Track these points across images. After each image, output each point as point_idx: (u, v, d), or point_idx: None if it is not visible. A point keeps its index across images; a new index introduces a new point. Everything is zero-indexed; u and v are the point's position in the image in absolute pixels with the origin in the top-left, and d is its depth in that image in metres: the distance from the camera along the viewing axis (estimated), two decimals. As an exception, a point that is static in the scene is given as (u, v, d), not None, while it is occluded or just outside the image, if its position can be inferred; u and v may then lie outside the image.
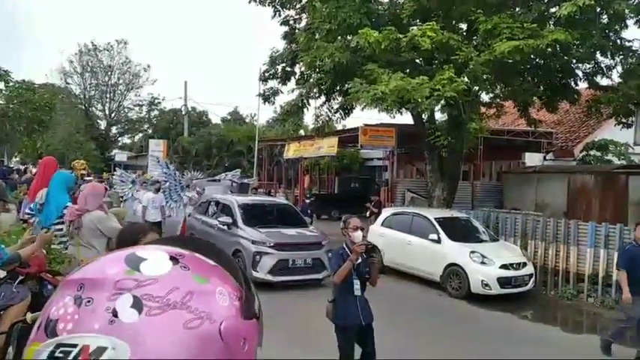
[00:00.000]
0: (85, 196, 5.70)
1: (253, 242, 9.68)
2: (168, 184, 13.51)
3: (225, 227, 10.45)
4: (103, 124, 45.89)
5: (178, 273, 0.73)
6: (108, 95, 44.58)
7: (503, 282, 9.55)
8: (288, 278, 9.52)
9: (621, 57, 12.57)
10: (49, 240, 4.57)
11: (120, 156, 40.05)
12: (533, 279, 10.07)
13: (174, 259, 0.75)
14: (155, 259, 0.75)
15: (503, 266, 9.69)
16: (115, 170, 28.97)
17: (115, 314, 0.67)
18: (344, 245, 4.75)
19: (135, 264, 0.73)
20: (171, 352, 0.66)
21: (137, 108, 46.26)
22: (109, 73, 43.43)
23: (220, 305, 0.73)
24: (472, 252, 9.80)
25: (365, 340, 4.68)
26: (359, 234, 4.62)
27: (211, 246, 0.86)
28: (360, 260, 4.55)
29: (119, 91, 44.61)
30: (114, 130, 47.41)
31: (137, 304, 0.68)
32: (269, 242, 9.65)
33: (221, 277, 0.77)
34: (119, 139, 49.83)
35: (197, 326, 0.69)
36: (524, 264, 10.03)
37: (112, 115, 45.43)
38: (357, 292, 4.60)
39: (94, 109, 45.22)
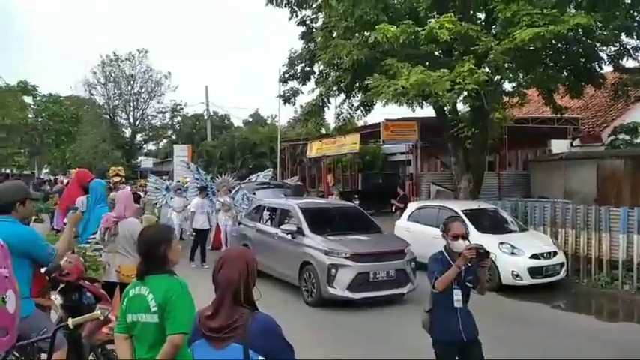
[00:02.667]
0: (124, 203, 5.85)
1: (326, 253, 8.33)
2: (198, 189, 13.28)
3: (289, 236, 9.25)
4: (127, 133, 46.74)
5: None
6: (131, 104, 45.35)
7: (533, 272, 9.44)
8: (371, 295, 8.21)
9: (647, 37, 12.28)
10: (78, 219, 4.60)
11: (146, 163, 40.68)
12: (564, 268, 9.93)
13: None
14: None
15: (534, 256, 9.58)
16: (146, 177, 29.54)
17: None
18: (442, 250, 4.17)
19: None
20: None
21: (160, 115, 46.96)
22: (132, 82, 44.18)
23: None
24: (501, 243, 9.70)
25: (466, 358, 4.04)
26: (460, 243, 3.99)
27: None
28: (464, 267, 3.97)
29: (142, 99, 45.35)
30: (139, 137, 48.22)
31: None
32: (345, 252, 8.27)
33: None
34: (144, 146, 50.66)
35: None
36: (555, 253, 9.89)
37: (137, 123, 46.19)
38: (458, 304, 3.99)
39: (118, 117, 46.07)
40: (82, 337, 4.15)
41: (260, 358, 2.20)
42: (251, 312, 2.28)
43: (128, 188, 10.28)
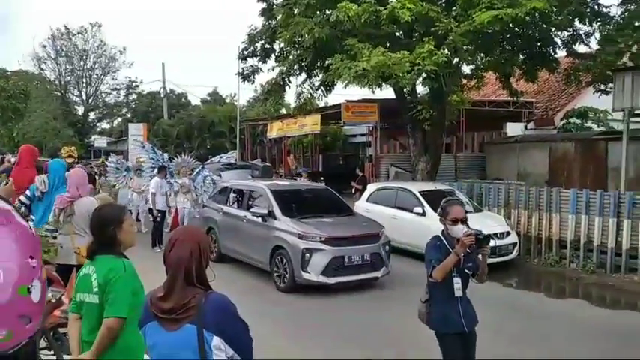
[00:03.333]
0: (76, 182, 5.62)
1: (300, 237, 8.07)
2: (156, 170, 12.62)
3: (259, 219, 8.91)
4: (80, 110, 45.06)
5: None
6: (84, 80, 43.68)
7: (488, 251, 9.70)
8: (346, 279, 8.04)
9: (599, 24, 12.66)
10: (10, 192, 4.37)
11: (99, 142, 39.43)
12: (517, 247, 10.26)
13: None
14: None
15: (487, 235, 9.82)
16: (100, 157, 28.53)
17: None
18: (440, 235, 3.88)
19: None
20: (19, 254, 0.91)
21: (115, 92, 45.47)
22: (84, 57, 42.47)
23: (19, 217, 0.99)
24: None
25: (466, 349, 3.82)
26: (459, 228, 3.70)
27: None
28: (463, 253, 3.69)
29: (95, 76, 43.73)
30: (92, 115, 46.63)
31: None
32: (320, 236, 8.03)
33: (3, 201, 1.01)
34: (98, 124, 49.05)
35: (24, 233, 0.94)
36: (508, 233, 10.20)
37: (90, 100, 44.60)
38: (458, 293, 3.73)
39: (70, 94, 44.32)
40: None
41: (215, 337, 2.15)
42: (204, 292, 2.22)
43: (79, 166, 9.78)
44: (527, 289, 9.05)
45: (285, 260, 8.21)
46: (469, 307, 3.87)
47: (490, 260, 10.02)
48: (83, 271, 2.90)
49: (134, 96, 46.78)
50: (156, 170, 12.60)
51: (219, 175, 14.48)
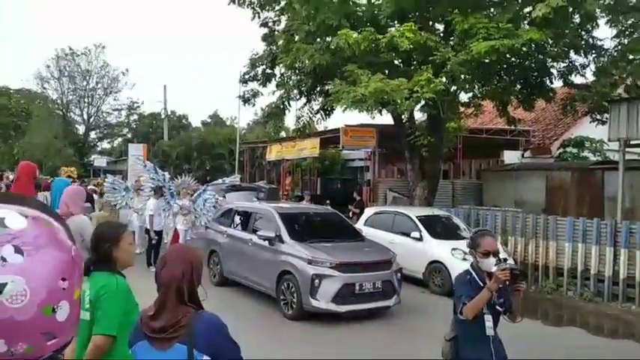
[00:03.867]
0: (66, 200, 5.64)
1: (310, 262, 7.69)
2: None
3: (266, 243, 8.54)
4: (81, 129, 45.38)
5: (34, 223, 1.02)
6: (86, 100, 44.09)
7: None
8: (356, 307, 7.69)
9: (594, 55, 12.87)
10: None
11: (99, 161, 39.52)
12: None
13: (23, 215, 1.03)
14: (10, 216, 1.00)
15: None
16: (99, 176, 28.50)
17: (4, 260, 0.93)
18: (469, 269, 3.58)
19: (0, 223, 0.98)
20: (50, 276, 0.98)
21: (116, 112, 45.92)
22: (87, 77, 42.99)
23: (64, 239, 1.06)
24: (454, 249, 9.93)
25: None
26: (491, 262, 3.42)
27: (35, 201, 1.16)
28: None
29: (97, 96, 44.19)
30: (93, 135, 46.92)
31: (18, 250, 0.95)
32: (330, 262, 7.67)
33: (53, 221, 1.09)
34: (98, 144, 49.30)
35: (60, 257, 1.01)
36: (505, 260, 10.16)
37: (91, 120, 44.93)
38: (490, 332, 3.41)
39: (72, 114, 44.70)
40: None
41: (205, 357, 2.15)
42: (196, 311, 2.23)
43: (75, 184, 9.71)
44: (524, 317, 8.97)
45: (292, 286, 7.82)
46: (501, 347, 3.52)
47: (486, 287, 10.02)
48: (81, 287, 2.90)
49: (135, 117, 47.17)
50: (153, 191, 12.36)
51: (224, 197, 14.16)
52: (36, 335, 0.96)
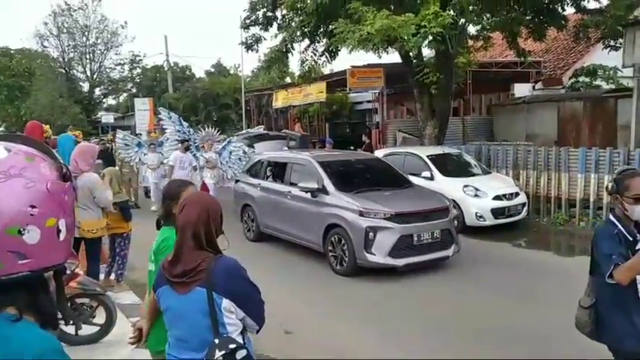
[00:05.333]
0: (75, 157, 5.67)
1: (361, 214, 7.17)
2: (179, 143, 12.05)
3: (308, 195, 8.04)
4: (85, 87, 44.99)
5: (13, 156, 1.16)
6: (87, 56, 43.42)
7: (496, 212, 9.74)
8: (415, 260, 7.18)
9: (608, -23, 12.31)
10: None
11: (106, 117, 39.40)
12: (526, 208, 10.28)
13: (7, 149, 1.18)
14: None
15: (497, 197, 9.86)
16: (107, 132, 28.46)
17: None
18: (612, 218, 2.92)
19: None
20: (16, 201, 1.12)
21: (119, 67, 45.21)
22: (86, 33, 42.10)
23: (44, 173, 1.18)
24: (465, 186, 9.93)
25: None
26: None
27: (29, 139, 1.27)
28: None
29: (99, 51, 43.43)
30: (97, 91, 46.52)
31: None
32: (385, 213, 7.14)
33: (42, 158, 1.22)
34: (104, 100, 49.01)
35: (32, 186, 1.15)
36: (517, 194, 10.20)
37: (94, 76, 44.43)
38: None
39: (74, 71, 44.17)
40: (49, 292, 4.10)
41: (225, 300, 2.19)
42: (214, 256, 2.26)
43: (87, 142, 9.61)
44: (536, 249, 9.08)
45: (343, 240, 7.35)
46: None
47: (499, 221, 10.11)
48: None
49: (138, 70, 46.56)
50: (179, 143, 12.01)
51: (252, 147, 13.75)
52: (3, 252, 1.10)
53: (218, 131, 14.32)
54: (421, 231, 7.22)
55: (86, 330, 4.72)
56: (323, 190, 7.84)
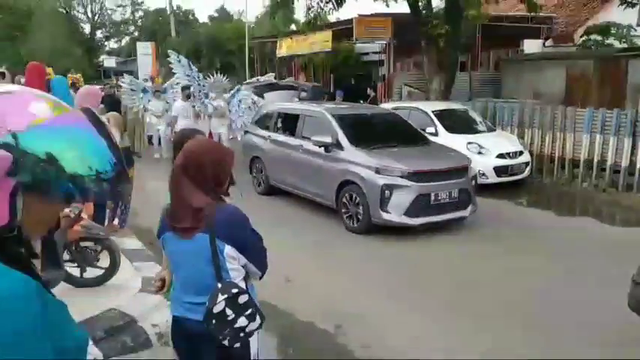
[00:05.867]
0: (78, 102, 5.61)
1: (377, 171, 6.95)
2: (192, 88, 11.76)
3: (322, 150, 7.76)
4: (87, 29, 44.17)
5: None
6: (88, -4, 42.46)
7: (499, 171, 9.73)
8: (432, 219, 7.02)
9: None
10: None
11: (108, 61, 38.89)
12: (529, 167, 10.26)
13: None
14: None
15: (500, 155, 9.82)
16: (110, 77, 28.06)
17: None
18: None
19: None
20: None
21: (120, 9, 44.30)
22: (86, -29, 41.00)
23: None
24: (469, 143, 9.86)
25: None
26: None
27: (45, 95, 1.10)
28: None
29: (99, -9, 42.45)
30: (99, 34, 45.79)
31: None
32: (402, 170, 6.92)
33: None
34: (106, 43, 48.24)
35: None
36: (521, 152, 10.16)
37: (96, 17, 43.55)
38: None
39: (75, 12, 43.25)
40: (54, 234, 4.15)
41: (227, 246, 2.21)
42: (216, 202, 2.25)
43: (90, 86, 9.42)
44: (537, 208, 9.12)
45: (357, 197, 7.13)
46: None
47: (502, 179, 10.10)
48: None
49: (140, 13, 45.59)
50: (192, 88, 11.60)
51: (262, 97, 13.26)
52: None
53: (226, 78, 13.87)
54: (439, 190, 6.99)
55: (90, 273, 4.80)
56: (337, 145, 7.59)
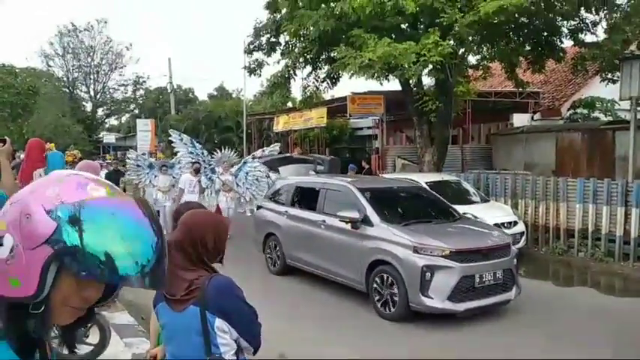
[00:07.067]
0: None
1: (416, 250, 6.29)
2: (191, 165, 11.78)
3: (348, 226, 7.15)
4: (88, 107, 45.44)
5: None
6: (92, 76, 44.00)
7: (495, 241, 9.70)
8: (476, 304, 6.29)
9: (605, 12, 12.57)
10: (8, 151, 4.22)
11: (108, 137, 39.70)
12: (524, 237, 10.27)
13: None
14: None
15: (495, 225, 9.84)
16: (109, 152, 28.49)
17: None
18: None
19: None
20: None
21: (122, 88, 45.80)
22: (91, 53, 42.79)
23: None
24: (464, 213, 9.92)
25: None
26: None
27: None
28: None
29: (103, 72, 44.05)
30: (100, 111, 46.98)
31: None
32: (443, 249, 6.24)
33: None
34: (106, 120, 49.46)
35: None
36: (516, 222, 10.20)
37: (98, 96, 44.92)
38: None
39: (78, 91, 44.72)
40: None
41: (218, 319, 2.19)
42: (209, 274, 2.26)
43: (89, 161, 9.56)
44: (535, 278, 9.05)
45: (391, 280, 6.45)
46: None
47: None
48: None
49: (141, 92, 47.08)
50: (191, 165, 11.69)
51: (276, 171, 13.20)
52: None
53: (235, 153, 13.89)
54: (483, 271, 6.33)
55: (80, 349, 4.67)
56: (366, 221, 6.96)
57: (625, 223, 9.56)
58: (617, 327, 6.25)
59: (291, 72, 14.15)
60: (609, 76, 13.66)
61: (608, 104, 16.21)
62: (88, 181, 1.01)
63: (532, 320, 6.56)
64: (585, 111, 16.64)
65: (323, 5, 12.37)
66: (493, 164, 16.12)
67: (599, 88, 15.76)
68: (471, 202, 10.69)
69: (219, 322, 2.17)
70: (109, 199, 0.99)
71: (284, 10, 13.56)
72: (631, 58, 11.20)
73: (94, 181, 1.02)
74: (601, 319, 6.54)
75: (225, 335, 2.20)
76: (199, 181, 11.66)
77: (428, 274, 6.12)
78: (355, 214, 7.09)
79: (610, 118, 15.80)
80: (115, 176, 12.33)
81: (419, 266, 6.16)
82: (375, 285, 6.66)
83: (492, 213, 10.24)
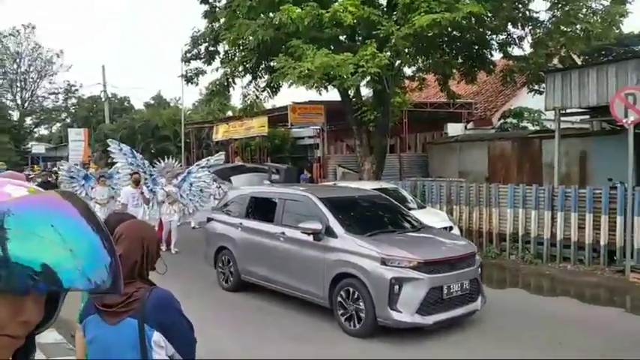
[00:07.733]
0: None
1: (383, 262, 5.98)
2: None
3: (310, 238, 6.74)
4: (15, 115, 43.03)
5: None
6: (18, 84, 41.77)
7: (432, 246, 9.97)
8: (444, 317, 6.04)
9: (530, 28, 13.29)
10: None
11: (37, 148, 37.81)
12: (459, 242, 10.62)
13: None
14: None
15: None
16: (38, 164, 27.09)
17: None
18: None
19: None
20: None
21: (53, 96, 43.77)
22: (18, 60, 40.66)
23: None
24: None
25: None
26: None
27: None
28: None
29: (31, 79, 42.00)
30: (29, 120, 44.69)
31: None
32: (413, 260, 5.97)
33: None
34: (35, 130, 47.01)
35: None
36: (451, 228, 10.52)
37: (25, 105, 42.67)
38: None
39: (3, 99, 42.25)
40: None
41: (155, 333, 2.12)
42: (149, 287, 2.20)
43: (15, 172, 9.04)
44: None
45: (357, 294, 6.12)
46: None
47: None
48: None
49: (74, 100, 45.16)
50: (130, 176, 11.20)
51: (229, 181, 12.82)
52: None
53: (178, 163, 13.33)
54: (451, 282, 6.11)
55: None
56: (329, 232, 6.60)
57: (552, 227, 10.11)
58: (554, 328, 6.57)
59: (230, 80, 14.03)
60: (536, 87, 14.46)
61: (535, 114, 17.16)
62: (6, 182, 0.87)
63: (478, 325, 6.59)
64: (514, 120, 17.55)
65: (262, 15, 12.37)
66: (429, 172, 16.63)
67: (527, 99, 16.66)
68: (408, 209, 10.94)
69: (156, 337, 2.10)
70: (33, 196, 0.85)
71: (222, 20, 13.45)
72: (554, 71, 11.93)
73: (13, 183, 0.88)
74: (539, 321, 6.84)
75: (161, 351, 2.13)
76: (142, 193, 11.25)
77: (396, 287, 5.84)
78: (317, 225, 6.70)
79: (537, 128, 16.73)
80: (45, 188, 11.66)
81: (387, 279, 5.86)
82: (339, 299, 6.34)
83: (429, 219, 10.50)
